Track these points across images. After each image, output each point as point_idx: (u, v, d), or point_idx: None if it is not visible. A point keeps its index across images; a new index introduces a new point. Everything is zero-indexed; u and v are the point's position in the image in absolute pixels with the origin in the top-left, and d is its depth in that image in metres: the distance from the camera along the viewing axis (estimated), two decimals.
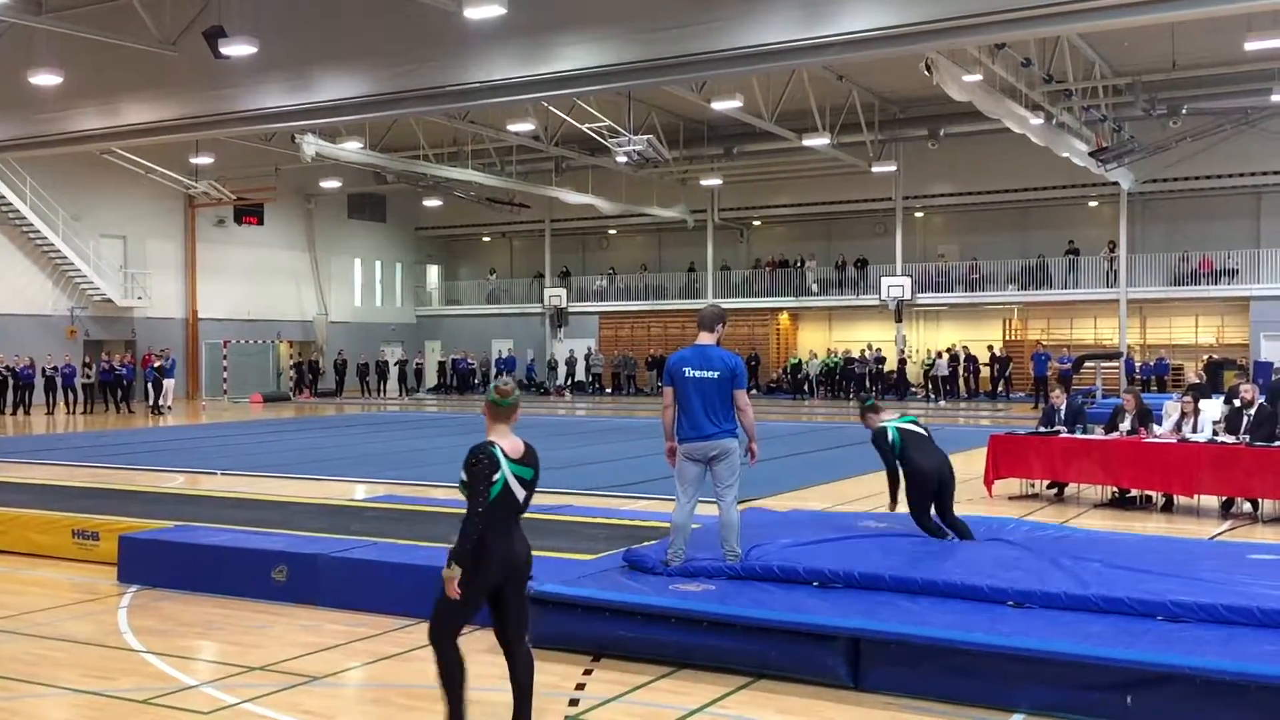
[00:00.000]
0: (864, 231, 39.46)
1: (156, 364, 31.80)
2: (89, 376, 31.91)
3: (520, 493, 5.25)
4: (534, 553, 8.09)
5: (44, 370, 31.00)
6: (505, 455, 5.20)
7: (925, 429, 8.91)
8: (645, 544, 8.01)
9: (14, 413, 30.00)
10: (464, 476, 5.13)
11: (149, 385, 31.66)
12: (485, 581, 5.18)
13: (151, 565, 8.83)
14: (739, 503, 7.48)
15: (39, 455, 18.52)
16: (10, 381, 30.32)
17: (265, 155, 33.62)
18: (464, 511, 5.10)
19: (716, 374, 7.20)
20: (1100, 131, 28.93)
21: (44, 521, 10.09)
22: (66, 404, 31.26)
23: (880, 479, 15.22)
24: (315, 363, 40.78)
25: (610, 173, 36.42)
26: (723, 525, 7.36)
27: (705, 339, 7.37)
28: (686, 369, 7.25)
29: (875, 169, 33.34)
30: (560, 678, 6.33)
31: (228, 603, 8.13)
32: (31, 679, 6.42)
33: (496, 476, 5.13)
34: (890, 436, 8.69)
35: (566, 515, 10.25)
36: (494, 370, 42.54)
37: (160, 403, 31.01)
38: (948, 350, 35.75)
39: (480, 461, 5.11)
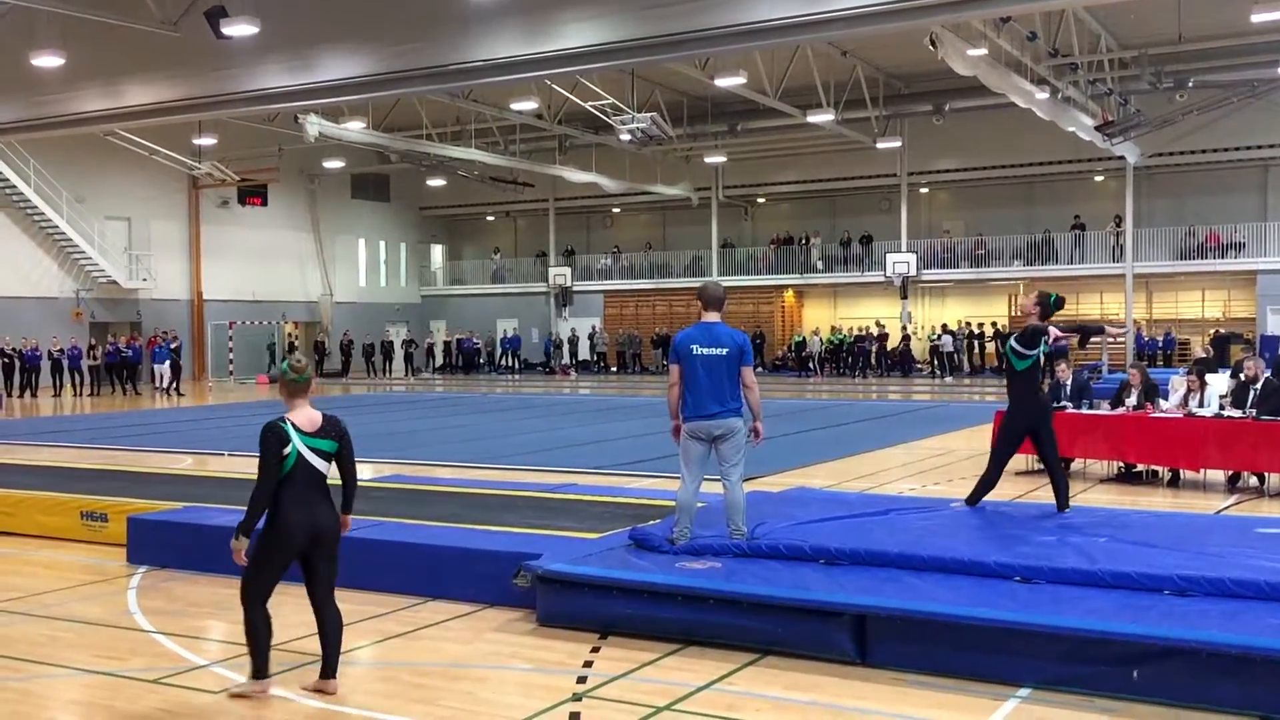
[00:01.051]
0: (869, 208, 39.36)
1: (174, 345, 32.08)
2: (95, 359, 31.99)
3: (320, 464, 5.62)
4: (540, 532, 8.20)
5: (50, 353, 31.06)
6: (299, 430, 5.57)
7: None
8: (651, 522, 8.03)
9: (21, 395, 30.06)
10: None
11: (164, 366, 31.69)
12: (288, 548, 5.58)
13: (160, 546, 8.86)
14: (744, 481, 7.49)
15: (46, 438, 18.58)
16: (17, 364, 30.40)
17: (268, 136, 33.57)
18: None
19: (725, 351, 7.20)
20: (1106, 105, 28.77)
21: (52, 503, 10.12)
22: (73, 386, 31.34)
23: (882, 456, 15.35)
24: (321, 343, 40.86)
25: (614, 151, 36.31)
26: (728, 504, 7.36)
27: (712, 316, 7.36)
28: (694, 347, 7.24)
29: (880, 145, 33.23)
30: (567, 656, 6.35)
31: (236, 583, 8.12)
32: (42, 660, 6.46)
33: (287, 451, 5.51)
34: (1039, 349, 8.51)
35: (572, 494, 10.27)
36: (499, 350, 42.67)
37: (169, 385, 31.22)
38: (943, 327, 35.78)
39: (266, 438, 5.50)
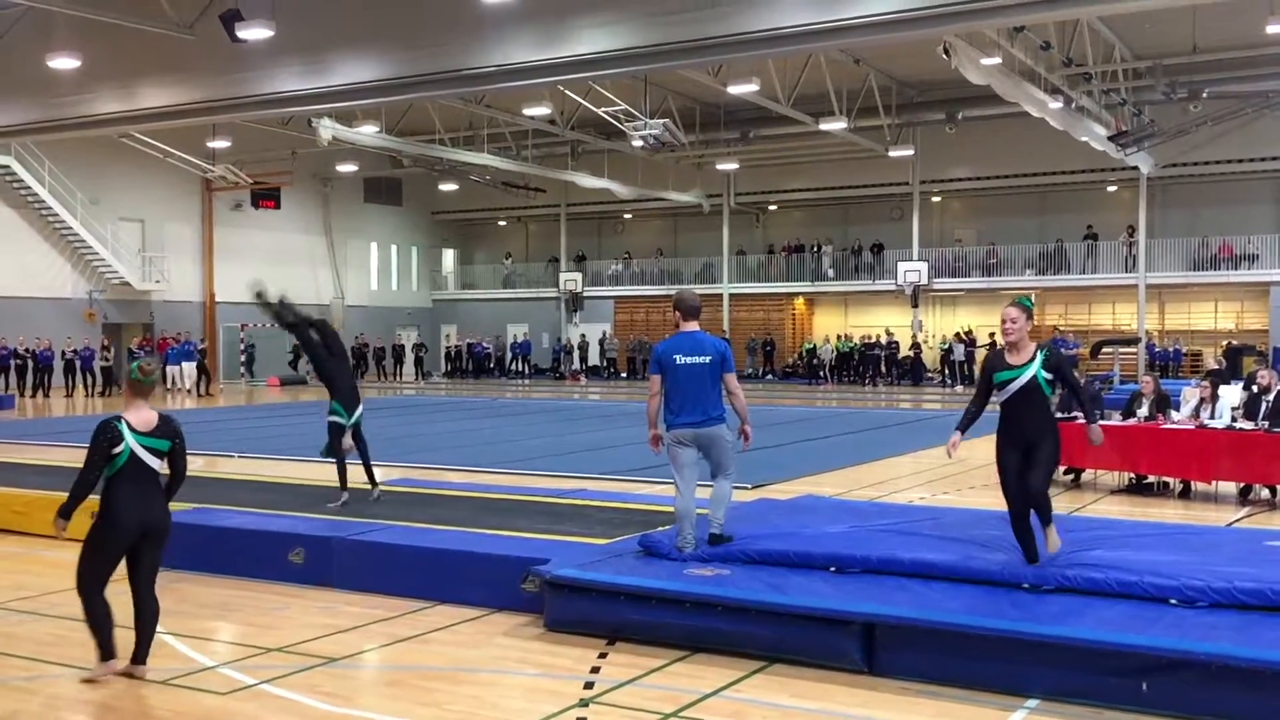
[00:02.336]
0: (881, 216, 39.31)
1: (200, 346, 32.34)
2: (107, 359, 32.12)
3: (153, 461, 5.97)
4: (549, 537, 8.20)
5: (63, 353, 31.21)
6: (133, 429, 5.92)
7: None
8: (660, 528, 8.02)
9: (33, 395, 30.19)
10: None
11: (188, 366, 31.79)
12: (119, 540, 5.92)
13: (169, 547, 8.79)
14: (738, 486, 7.54)
15: (58, 438, 18.63)
16: (30, 364, 30.55)
17: (282, 139, 33.66)
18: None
19: (709, 359, 7.29)
20: (1120, 115, 28.72)
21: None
22: (85, 387, 31.46)
23: (892, 465, 15.33)
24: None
25: (626, 157, 36.34)
26: (714, 495, 7.46)
27: (691, 325, 7.44)
28: (678, 356, 7.29)
29: (892, 153, 33.18)
30: (575, 661, 6.35)
31: (245, 584, 8.18)
32: (51, 659, 6.48)
33: (119, 449, 5.87)
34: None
35: (581, 499, 10.27)
36: (509, 355, 42.71)
37: (197, 386, 31.45)
38: (955, 335, 35.70)
39: (98, 436, 5.87)
